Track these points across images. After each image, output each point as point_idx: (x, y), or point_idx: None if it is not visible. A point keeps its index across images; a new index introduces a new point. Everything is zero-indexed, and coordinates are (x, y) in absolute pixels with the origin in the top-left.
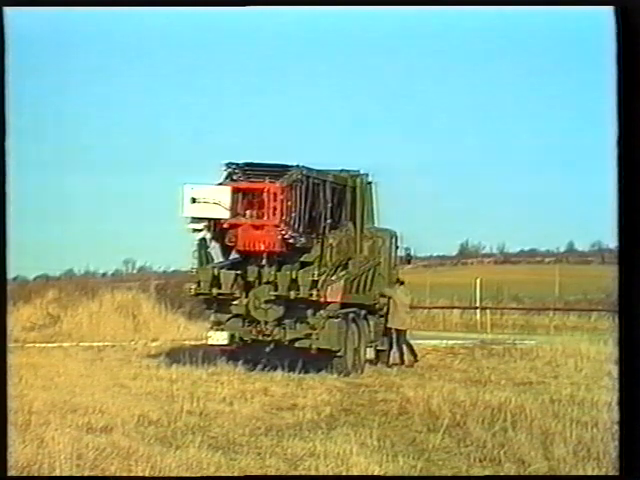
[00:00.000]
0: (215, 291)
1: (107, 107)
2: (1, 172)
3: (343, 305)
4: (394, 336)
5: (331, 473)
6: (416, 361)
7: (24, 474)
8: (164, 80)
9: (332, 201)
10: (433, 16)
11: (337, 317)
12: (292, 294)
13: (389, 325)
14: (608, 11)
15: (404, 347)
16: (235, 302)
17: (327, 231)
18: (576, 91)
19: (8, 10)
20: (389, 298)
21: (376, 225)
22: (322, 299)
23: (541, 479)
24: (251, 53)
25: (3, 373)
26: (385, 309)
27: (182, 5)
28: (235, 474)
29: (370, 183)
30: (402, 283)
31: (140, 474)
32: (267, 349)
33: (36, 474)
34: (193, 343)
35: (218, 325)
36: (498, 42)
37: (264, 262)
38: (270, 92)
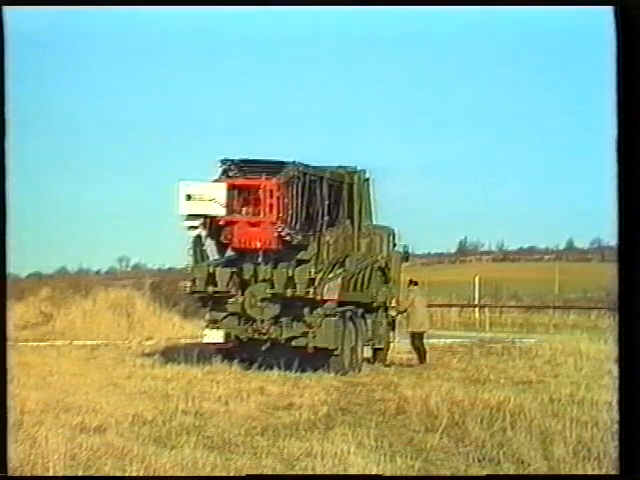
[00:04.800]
0: (211, 289)
1: (105, 106)
2: (1, 171)
3: (340, 303)
4: (410, 338)
5: (328, 473)
6: (421, 363)
7: (16, 474)
8: (162, 78)
9: (329, 198)
10: (433, 16)
11: (334, 315)
12: (289, 292)
13: (409, 329)
14: (608, 11)
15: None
16: (231, 300)
17: (324, 228)
18: (576, 90)
19: (8, 10)
20: (412, 301)
21: (373, 222)
22: (319, 297)
23: (540, 478)
24: (249, 52)
25: (3, 373)
26: (406, 312)
27: (181, 5)
28: (231, 474)
29: (367, 180)
30: (416, 284)
31: (134, 474)
32: (263, 348)
33: (29, 474)
34: (188, 341)
35: (214, 323)
36: (498, 42)
37: (260, 260)
38: (268, 90)
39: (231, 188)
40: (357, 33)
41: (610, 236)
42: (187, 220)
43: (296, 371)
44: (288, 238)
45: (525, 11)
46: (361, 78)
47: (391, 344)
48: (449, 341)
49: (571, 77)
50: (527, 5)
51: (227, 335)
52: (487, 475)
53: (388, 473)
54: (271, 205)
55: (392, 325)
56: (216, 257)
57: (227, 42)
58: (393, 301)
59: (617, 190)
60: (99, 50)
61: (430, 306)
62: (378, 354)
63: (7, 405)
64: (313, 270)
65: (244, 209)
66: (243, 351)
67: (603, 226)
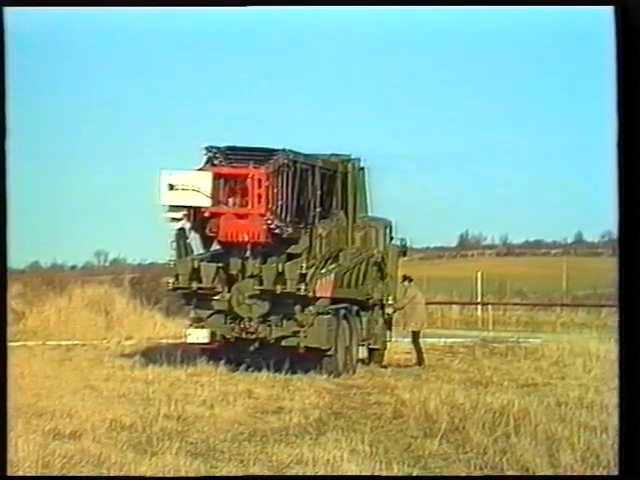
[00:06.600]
0: (195, 285)
1: (102, 104)
2: (1, 170)
3: (333, 300)
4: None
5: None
6: (419, 364)
7: None
8: (158, 76)
9: (321, 188)
10: (433, 14)
11: (327, 313)
12: (278, 288)
13: (409, 328)
14: (608, 11)
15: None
16: (217, 297)
17: (316, 220)
18: (577, 87)
19: (8, 10)
20: (412, 298)
21: (369, 214)
22: (311, 294)
23: (540, 478)
24: (243, 51)
25: (3, 373)
26: (405, 310)
27: (180, 5)
28: None
29: (362, 169)
30: (411, 280)
31: None
32: (251, 348)
33: None
34: (171, 342)
35: (198, 322)
36: (499, 41)
37: (248, 254)
38: (261, 81)
39: (217, 177)
40: (355, 27)
41: None
42: (170, 211)
43: (286, 373)
44: (278, 231)
45: (525, 11)
46: (362, 71)
47: (388, 344)
48: (449, 341)
49: (572, 75)
50: (527, 5)
51: (213, 334)
52: (486, 476)
53: None
54: (259, 195)
55: (389, 324)
56: (201, 251)
57: (218, 38)
58: (390, 298)
59: (617, 190)
60: (98, 49)
61: (430, 304)
62: (374, 354)
63: (7, 406)
64: (304, 265)
65: (231, 200)
66: (230, 351)
67: (613, 219)
